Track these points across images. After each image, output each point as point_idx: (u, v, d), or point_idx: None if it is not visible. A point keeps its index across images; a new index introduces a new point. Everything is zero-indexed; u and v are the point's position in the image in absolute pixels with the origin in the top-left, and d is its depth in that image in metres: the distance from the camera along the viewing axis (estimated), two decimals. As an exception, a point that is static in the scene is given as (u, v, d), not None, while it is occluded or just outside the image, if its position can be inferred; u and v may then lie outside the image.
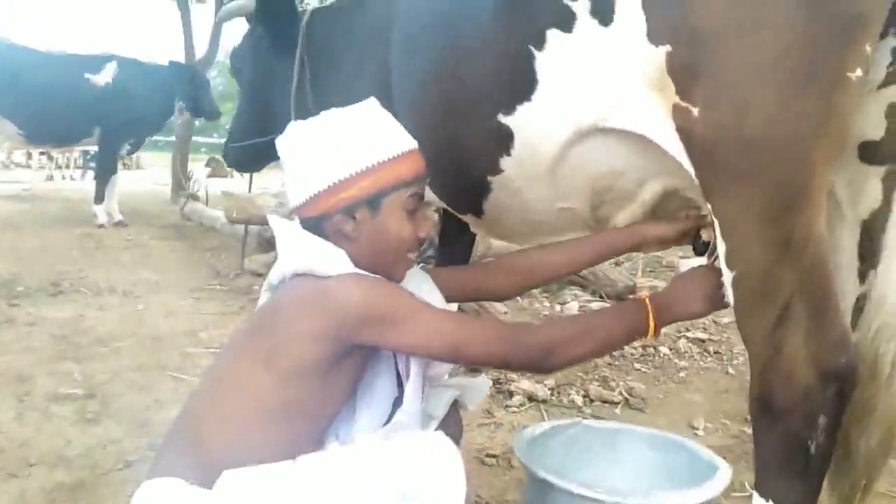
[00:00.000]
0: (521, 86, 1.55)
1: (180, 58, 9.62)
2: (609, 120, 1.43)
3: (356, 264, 1.31)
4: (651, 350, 3.54)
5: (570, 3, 1.42)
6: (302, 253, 1.32)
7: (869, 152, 1.32)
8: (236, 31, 3.18)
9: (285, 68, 2.60)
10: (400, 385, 1.41)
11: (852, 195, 1.36)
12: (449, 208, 2.17)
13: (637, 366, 3.34)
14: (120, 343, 3.39)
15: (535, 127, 1.57)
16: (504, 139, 1.65)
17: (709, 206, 1.30)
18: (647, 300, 1.39)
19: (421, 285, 1.45)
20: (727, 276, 1.29)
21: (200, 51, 10.47)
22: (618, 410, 2.80)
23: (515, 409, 2.74)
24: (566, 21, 1.44)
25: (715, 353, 3.62)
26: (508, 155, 1.67)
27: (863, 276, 1.39)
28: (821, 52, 1.14)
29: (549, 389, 2.89)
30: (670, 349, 3.59)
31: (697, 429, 2.66)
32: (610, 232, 1.65)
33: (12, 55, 7.17)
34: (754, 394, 1.30)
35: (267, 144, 1.98)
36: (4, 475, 2.09)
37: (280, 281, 1.37)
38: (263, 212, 4.94)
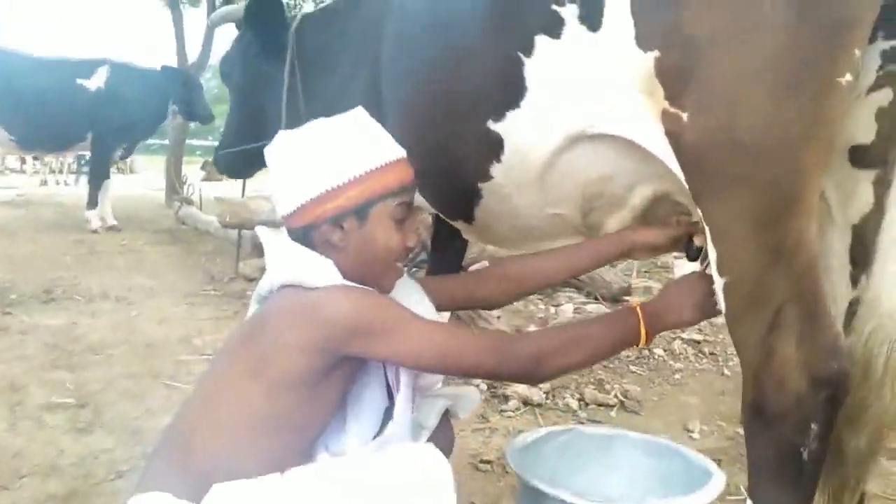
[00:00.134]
0: (511, 92, 1.55)
1: (173, 62, 9.59)
2: (598, 125, 1.43)
3: (344, 274, 1.30)
4: (646, 352, 3.53)
5: (558, 9, 1.41)
6: (290, 264, 1.31)
7: (859, 156, 1.32)
8: (230, 35, 3.17)
9: (275, 74, 2.59)
10: (390, 396, 1.41)
11: (843, 199, 1.36)
12: (440, 214, 2.17)
13: (632, 368, 3.33)
14: (113, 350, 3.37)
15: (525, 133, 1.57)
16: (494, 146, 1.64)
17: (699, 212, 1.30)
18: (639, 308, 1.38)
19: (410, 295, 1.44)
20: (718, 283, 1.29)
21: (193, 55, 10.44)
22: (613, 413, 2.80)
23: (511, 414, 2.72)
24: (554, 27, 1.43)
25: (710, 354, 3.62)
26: (498, 161, 1.66)
27: (854, 281, 1.38)
28: (811, 56, 1.14)
29: (544, 393, 2.88)
30: (665, 351, 3.59)
31: (693, 431, 2.65)
32: (601, 239, 1.64)
33: (3, 60, 7.10)
34: (746, 400, 1.30)
35: (258, 150, 1.97)
36: (-4, 487, 2.08)
37: (269, 292, 1.36)
38: (257, 216, 4.92)
